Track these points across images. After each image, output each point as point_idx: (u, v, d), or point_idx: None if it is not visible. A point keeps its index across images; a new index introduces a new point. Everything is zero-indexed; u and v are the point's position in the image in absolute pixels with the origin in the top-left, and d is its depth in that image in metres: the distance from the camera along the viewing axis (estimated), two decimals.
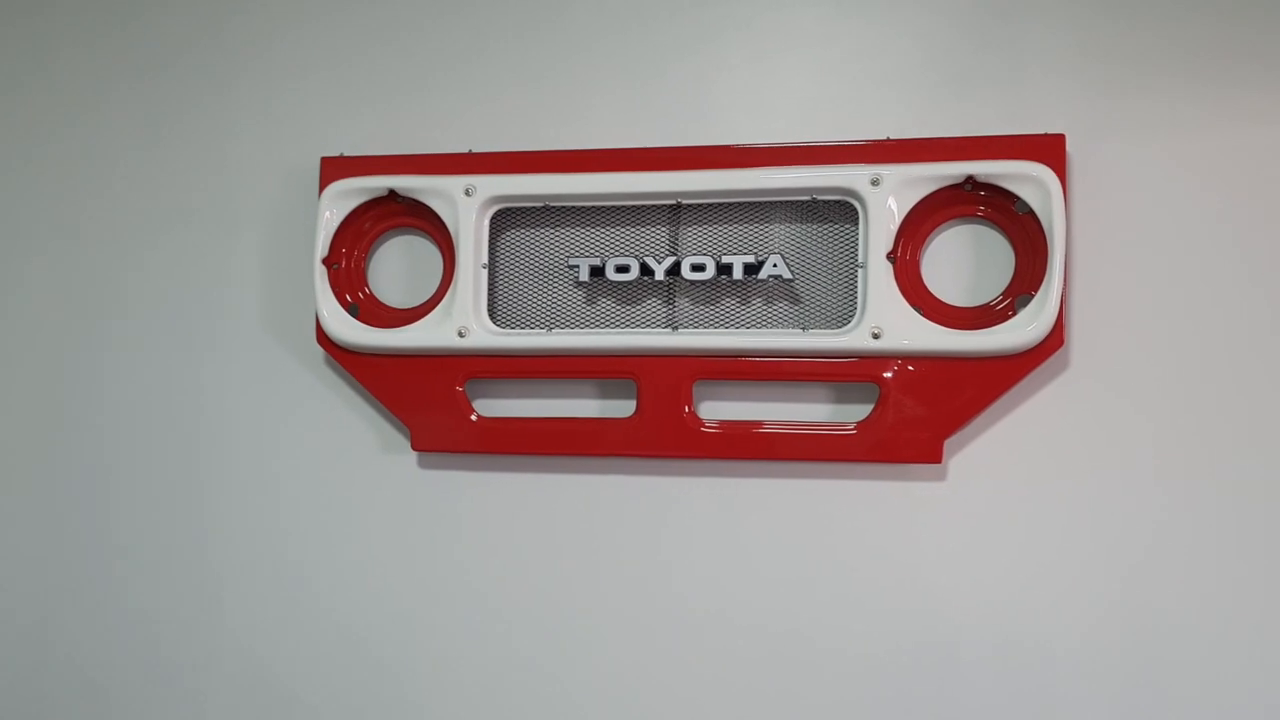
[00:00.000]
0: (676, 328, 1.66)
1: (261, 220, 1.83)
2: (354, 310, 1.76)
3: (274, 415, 1.82)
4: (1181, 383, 1.56)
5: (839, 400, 1.65)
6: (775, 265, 1.61)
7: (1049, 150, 1.55)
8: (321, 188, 1.74)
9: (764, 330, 1.64)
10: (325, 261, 1.73)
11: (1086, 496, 1.58)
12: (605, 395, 1.72)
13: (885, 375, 1.59)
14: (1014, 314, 1.57)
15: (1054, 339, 1.54)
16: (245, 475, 1.82)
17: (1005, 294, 1.60)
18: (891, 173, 1.58)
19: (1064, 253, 1.52)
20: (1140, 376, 1.57)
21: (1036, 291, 1.55)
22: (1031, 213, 1.56)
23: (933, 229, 1.63)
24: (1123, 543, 1.57)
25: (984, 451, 1.61)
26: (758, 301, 1.66)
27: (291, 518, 1.80)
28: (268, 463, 1.81)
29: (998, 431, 1.61)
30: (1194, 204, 1.57)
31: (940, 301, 1.62)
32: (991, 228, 1.62)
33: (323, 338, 1.74)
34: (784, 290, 1.64)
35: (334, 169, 1.75)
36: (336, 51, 1.82)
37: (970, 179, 1.57)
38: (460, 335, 1.68)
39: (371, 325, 1.74)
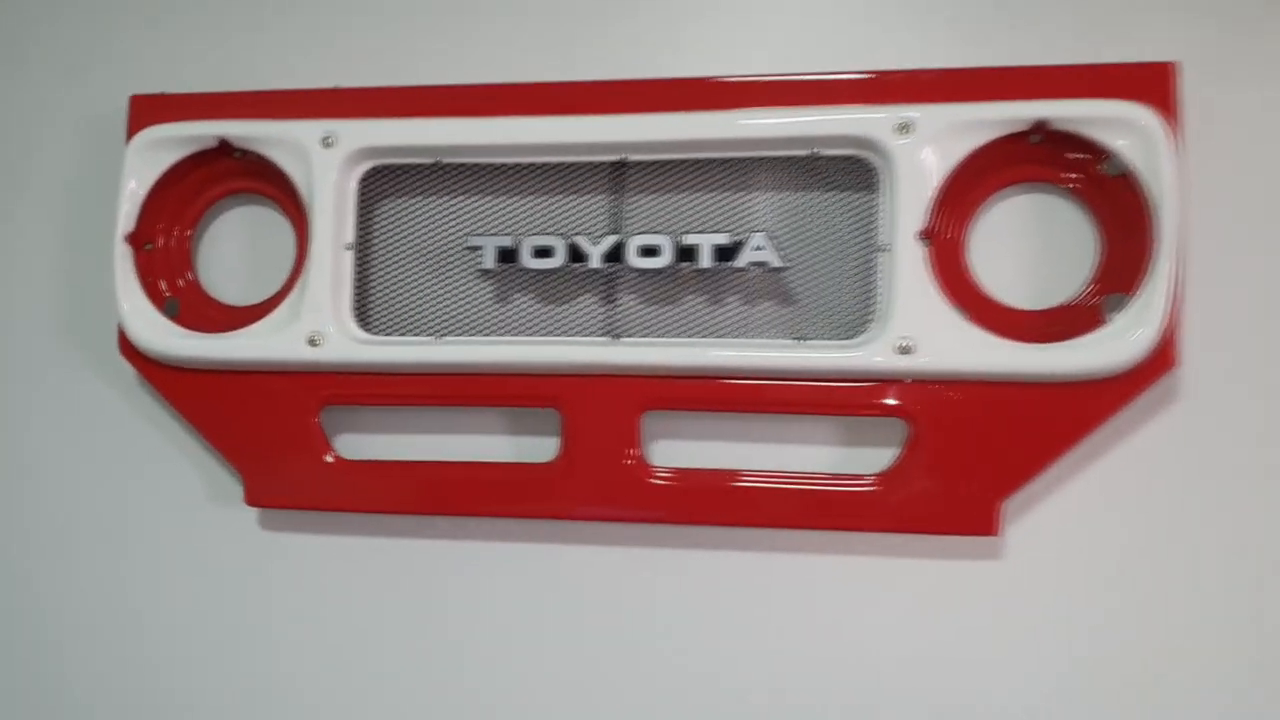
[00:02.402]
0: (618, 336, 1.17)
1: (47, 183, 1.34)
2: (172, 308, 1.26)
3: (60, 453, 1.32)
4: None
5: (847, 441, 1.16)
6: (759, 248, 1.13)
7: (1154, 87, 1.07)
8: (129, 138, 1.25)
9: (742, 341, 1.15)
10: (131, 239, 1.23)
11: (1204, 585, 1.10)
12: (516, 430, 1.22)
13: (917, 407, 1.10)
14: (1103, 320, 1.09)
15: (1161, 357, 1.06)
16: (17, 534, 1.32)
17: (1087, 292, 1.12)
18: (927, 115, 1.09)
19: (1176, 234, 1.05)
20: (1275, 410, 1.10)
21: (1135, 289, 1.07)
22: (1127, 176, 1.08)
23: (983, 199, 1.14)
24: (1253, 650, 1.09)
25: (1055, 518, 1.12)
26: (733, 300, 1.17)
27: (79, 597, 1.30)
28: (49, 518, 1.31)
29: (1076, 490, 1.12)
30: None
31: (995, 302, 1.13)
32: (1067, 197, 1.14)
33: (127, 347, 1.25)
34: (771, 284, 1.16)
35: (146, 112, 1.25)
36: None
37: (1040, 125, 1.09)
38: (312, 344, 1.19)
39: (196, 330, 1.24)
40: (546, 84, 1.18)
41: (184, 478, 1.28)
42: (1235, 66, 1.12)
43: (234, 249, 1.30)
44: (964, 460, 1.09)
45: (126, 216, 1.23)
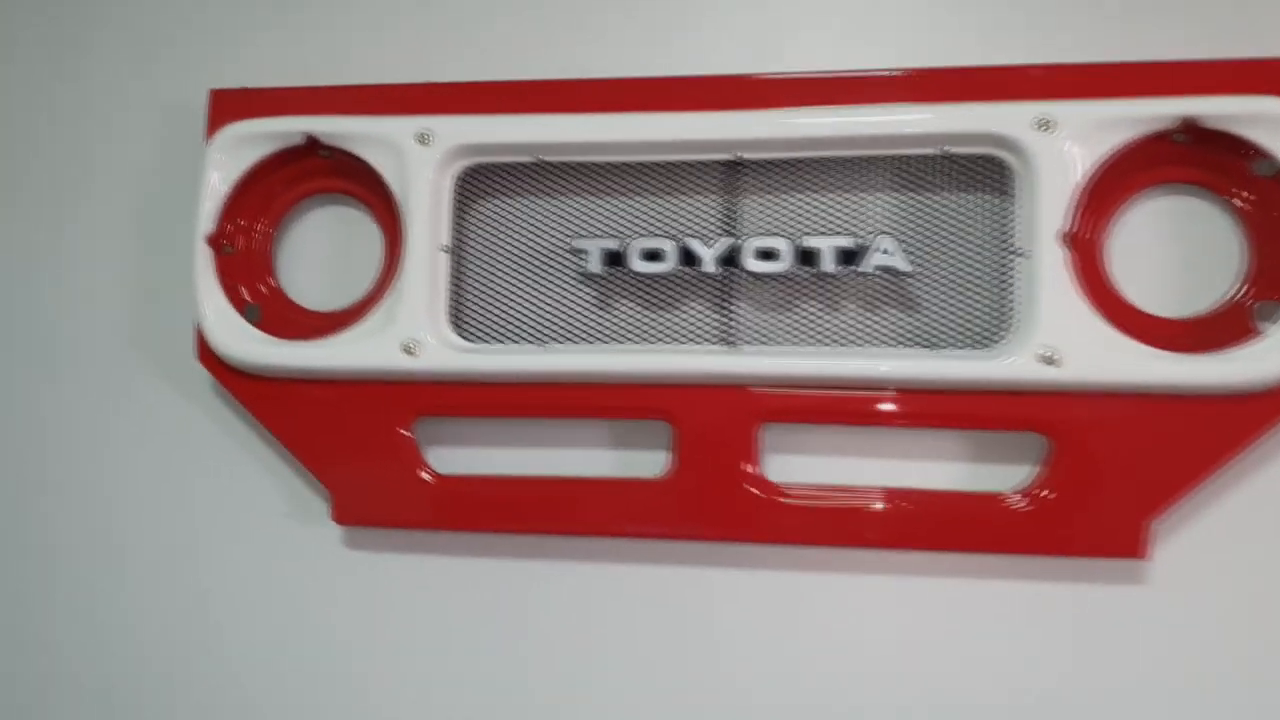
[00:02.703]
0: (735, 344, 1.11)
1: (116, 180, 1.27)
2: (253, 314, 1.20)
3: (131, 465, 1.25)
4: None
5: (974, 457, 1.10)
6: (886, 252, 1.06)
7: None
8: (209, 135, 1.18)
9: (869, 350, 1.09)
10: (211, 241, 1.17)
11: None
12: (624, 444, 1.16)
13: (1060, 421, 1.04)
14: (1254, 329, 1.03)
15: None
16: (88, 552, 1.25)
17: (1235, 299, 1.06)
18: (1069, 112, 1.03)
19: None
20: None
21: None
22: (1277, 177, 1.02)
23: (1121, 200, 1.08)
24: None
25: (1204, 539, 1.06)
26: (854, 307, 1.10)
27: (155, 617, 1.23)
28: (119, 532, 1.24)
29: (1227, 509, 1.06)
30: None
31: (1137, 309, 1.07)
32: (1211, 199, 1.08)
33: (206, 354, 1.18)
34: (897, 290, 1.09)
35: (227, 107, 1.18)
36: None
37: (1187, 123, 1.03)
38: (408, 352, 1.12)
39: (278, 336, 1.18)
40: (655, 79, 1.12)
41: (263, 492, 1.21)
42: None
43: (316, 251, 1.23)
44: (1110, 478, 1.03)
45: (207, 216, 1.17)
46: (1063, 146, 1.03)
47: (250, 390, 1.17)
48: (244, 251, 1.21)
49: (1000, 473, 1.09)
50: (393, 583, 1.18)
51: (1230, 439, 1.01)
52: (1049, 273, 1.03)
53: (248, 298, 1.20)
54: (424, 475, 1.14)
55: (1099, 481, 1.03)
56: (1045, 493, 1.04)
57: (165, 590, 1.23)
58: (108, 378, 1.25)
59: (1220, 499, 1.06)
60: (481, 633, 1.16)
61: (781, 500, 1.08)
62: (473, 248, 1.16)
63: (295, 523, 1.21)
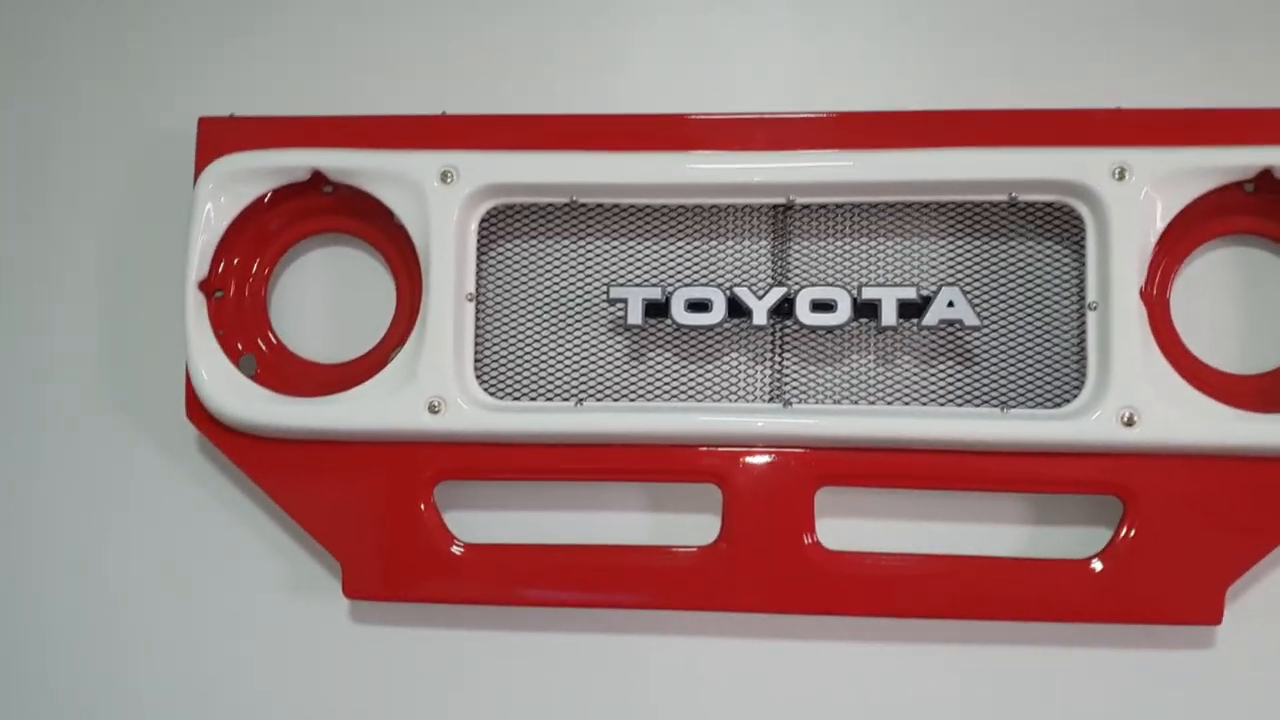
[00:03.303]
0: (788, 403, 1.04)
1: (102, 219, 1.15)
2: (248, 365, 1.08)
3: (118, 531, 1.12)
4: None
5: (1035, 520, 1.05)
6: (951, 304, 1.00)
7: None
8: (198, 168, 1.06)
9: (936, 409, 1.02)
10: (204, 286, 1.05)
11: None
12: (665, 508, 1.07)
13: (1137, 484, 0.99)
14: None
15: None
16: (70, 630, 1.12)
17: None
18: (1144, 160, 0.99)
19: None
20: None
21: None
22: None
23: (1189, 252, 1.05)
24: None
25: (1272, 604, 1.03)
26: (912, 363, 1.04)
27: (146, 697, 1.10)
28: (107, 608, 1.12)
29: None
30: None
31: (1210, 368, 1.03)
32: (1276, 252, 1.05)
33: (196, 410, 1.06)
34: (962, 346, 1.04)
35: (219, 137, 1.07)
36: None
37: (1264, 175, 0.99)
38: (433, 411, 1.02)
39: (277, 391, 1.06)
40: (700, 117, 1.04)
41: (261, 566, 1.10)
42: None
43: (315, 297, 1.12)
44: (1187, 542, 0.98)
45: (199, 259, 1.05)
46: (1140, 196, 0.98)
47: (248, 451, 1.06)
48: (237, 296, 1.09)
49: (1059, 536, 1.04)
50: (406, 661, 1.08)
51: None
52: (1126, 328, 0.98)
53: (241, 348, 1.09)
54: (450, 545, 1.04)
55: (1177, 546, 0.98)
56: (1123, 558, 0.99)
57: (153, 667, 1.11)
58: (84, 435, 1.12)
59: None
60: (504, 713, 1.07)
61: (839, 569, 1.01)
62: (496, 295, 1.07)
63: (298, 595, 1.09)
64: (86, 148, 1.15)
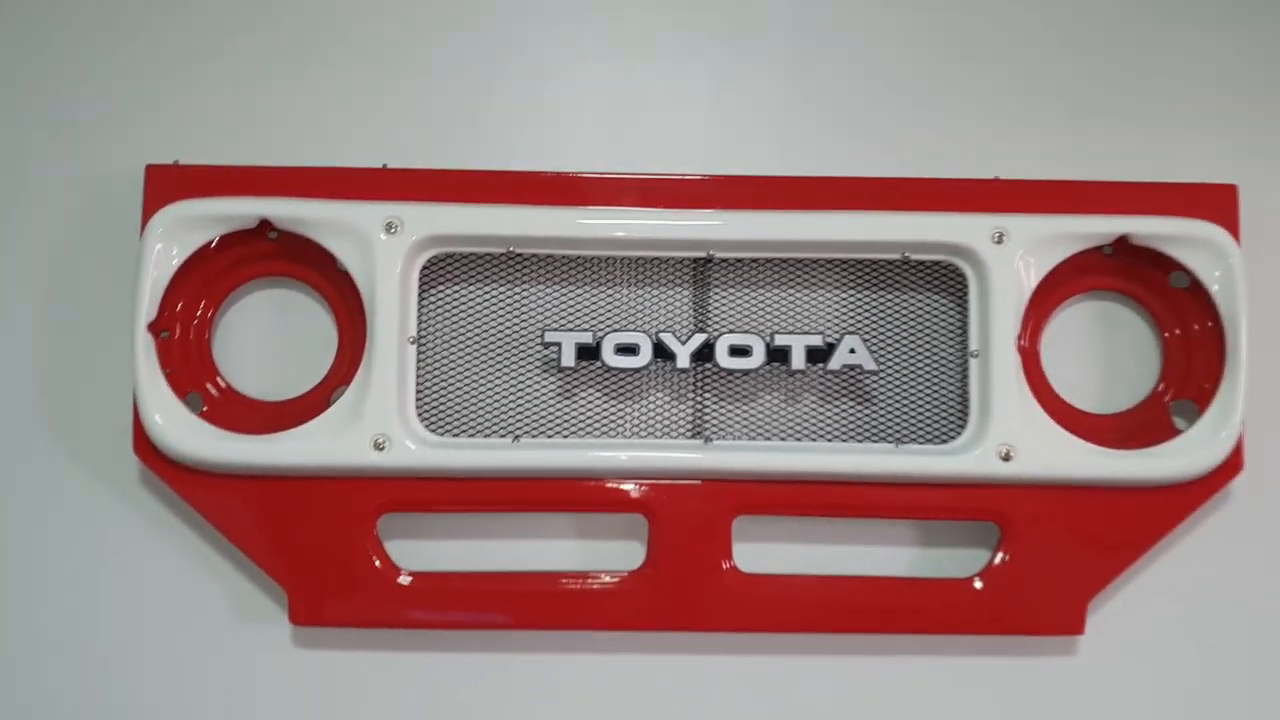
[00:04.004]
0: (709, 439, 1.14)
1: (47, 261, 1.17)
2: (194, 403, 1.13)
3: (66, 566, 1.15)
4: None
5: (923, 543, 1.17)
6: (853, 350, 1.12)
7: (1218, 207, 1.14)
8: (146, 214, 1.10)
9: (840, 445, 1.14)
10: (151, 327, 1.10)
11: (1268, 679, 1.17)
12: (590, 535, 1.16)
13: (1012, 511, 1.12)
14: (1172, 426, 1.15)
15: (1232, 462, 1.12)
16: (22, 651, 1.14)
17: (1154, 398, 1.17)
18: (1022, 226, 1.12)
19: (1247, 347, 1.12)
20: None
21: (1196, 396, 1.14)
22: (1190, 289, 1.15)
23: (1055, 306, 1.18)
24: None
25: (1125, 615, 1.16)
26: (817, 402, 1.16)
27: None
28: (54, 640, 1.15)
29: (1142, 586, 1.17)
30: None
31: (1074, 409, 1.17)
32: (1129, 306, 1.20)
33: (144, 447, 1.10)
34: (861, 388, 1.15)
35: (167, 184, 1.11)
36: (174, 6, 1.20)
37: (1120, 241, 1.14)
38: (378, 448, 1.09)
39: (223, 428, 1.11)
40: (628, 177, 1.13)
41: (206, 595, 1.15)
42: (1270, 183, 1.21)
43: (256, 337, 1.17)
44: (1055, 562, 1.12)
45: (147, 302, 1.09)
46: (1016, 257, 1.12)
47: (196, 486, 1.10)
48: (183, 337, 1.14)
49: (945, 557, 1.16)
50: (350, 683, 1.14)
51: (1158, 525, 1.13)
52: (1004, 375, 1.11)
53: (187, 386, 1.13)
54: (394, 573, 1.11)
55: (1046, 566, 1.12)
56: (999, 577, 1.12)
57: (104, 697, 1.14)
58: (28, 470, 1.15)
59: (1135, 576, 1.17)
60: None
61: (754, 591, 1.11)
62: (436, 337, 1.14)
63: (241, 623, 1.14)
64: (32, 192, 1.17)
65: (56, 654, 1.15)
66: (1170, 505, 1.12)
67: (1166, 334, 1.18)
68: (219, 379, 1.15)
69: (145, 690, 1.14)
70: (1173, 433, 1.14)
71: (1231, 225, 1.13)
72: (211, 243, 1.12)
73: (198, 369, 1.14)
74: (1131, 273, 1.17)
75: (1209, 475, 1.12)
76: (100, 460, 1.15)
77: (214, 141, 1.17)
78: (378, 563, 1.11)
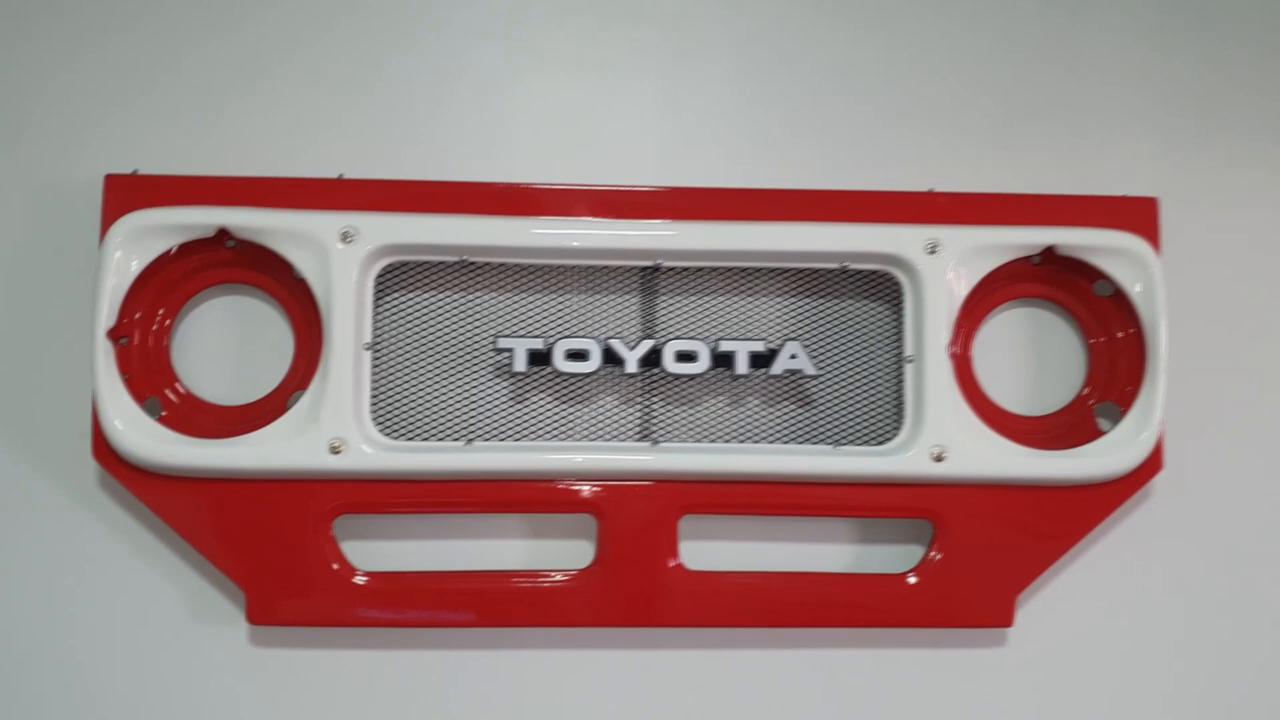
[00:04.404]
0: (656, 441, 1.18)
1: (6, 269, 1.19)
2: (153, 408, 1.15)
3: (22, 570, 1.17)
4: None
5: (862, 539, 1.22)
6: (794, 356, 1.17)
7: (1139, 218, 1.20)
8: (106, 223, 1.13)
9: (781, 447, 1.19)
10: (111, 334, 1.12)
11: (1187, 669, 1.24)
12: (539, 534, 1.20)
13: (945, 509, 1.17)
14: (1097, 427, 1.21)
15: (1153, 461, 1.18)
16: None
17: (1080, 401, 1.23)
18: (954, 237, 1.17)
19: (1166, 350, 1.18)
20: (1249, 508, 1.24)
21: (1119, 399, 1.20)
22: (1113, 297, 1.21)
23: (986, 313, 1.24)
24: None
25: (1052, 608, 1.22)
26: (760, 405, 1.20)
27: None
28: (13, 639, 1.17)
29: (1067, 580, 1.22)
30: None
31: (1004, 411, 1.23)
32: (1056, 313, 1.25)
33: (104, 451, 1.12)
34: (802, 392, 1.20)
35: (126, 193, 1.14)
36: (133, 19, 1.22)
37: (1047, 251, 1.19)
38: (334, 451, 1.12)
39: (181, 432, 1.14)
40: (578, 188, 1.17)
41: (163, 596, 1.17)
42: (1199, 194, 1.27)
43: (212, 343, 1.20)
44: (985, 558, 1.18)
45: (107, 310, 1.11)
46: (948, 267, 1.17)
47: (155, 490, 1.13)
48: (142, 343, 1.16)
49: (883, 553, 1.21)
50: (305, 680, 1.17)
51: (1083, 521, 1.19)
52: (937, 379, 1.16)
53: (147, 392, 1.15)
54: (350, 573, 1.14)
55: (976, 562, 1.18)
56: (932, 573, 1.17)
57: (63, 695, 1.17)
58: None
59: (1060, 570, 1.22)
60: None
61: (702, 588, 1.16)
62: (391, 343, 1.17)
63: (197, 623, 1.17)
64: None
65: (15, 654, 1.16)
66: (1094, 503, 1.18)
67: (1092, 340, 1.24)
68: (178, 384, 1.18)
69: (105, 689, 1.17)
70: (1097, 434, 1.20)
71: (1152, 236, 1.20)
72: (170, 251, 1.14)
73: (157, 375, 1.17)
74: (1058, 281, 1.23)
75: (1131, 474, 1.18)
76: (60, 464, 1.17)
77: (173, 152, 1.20)
78: (334, 563, 1.14)
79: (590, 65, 1.26)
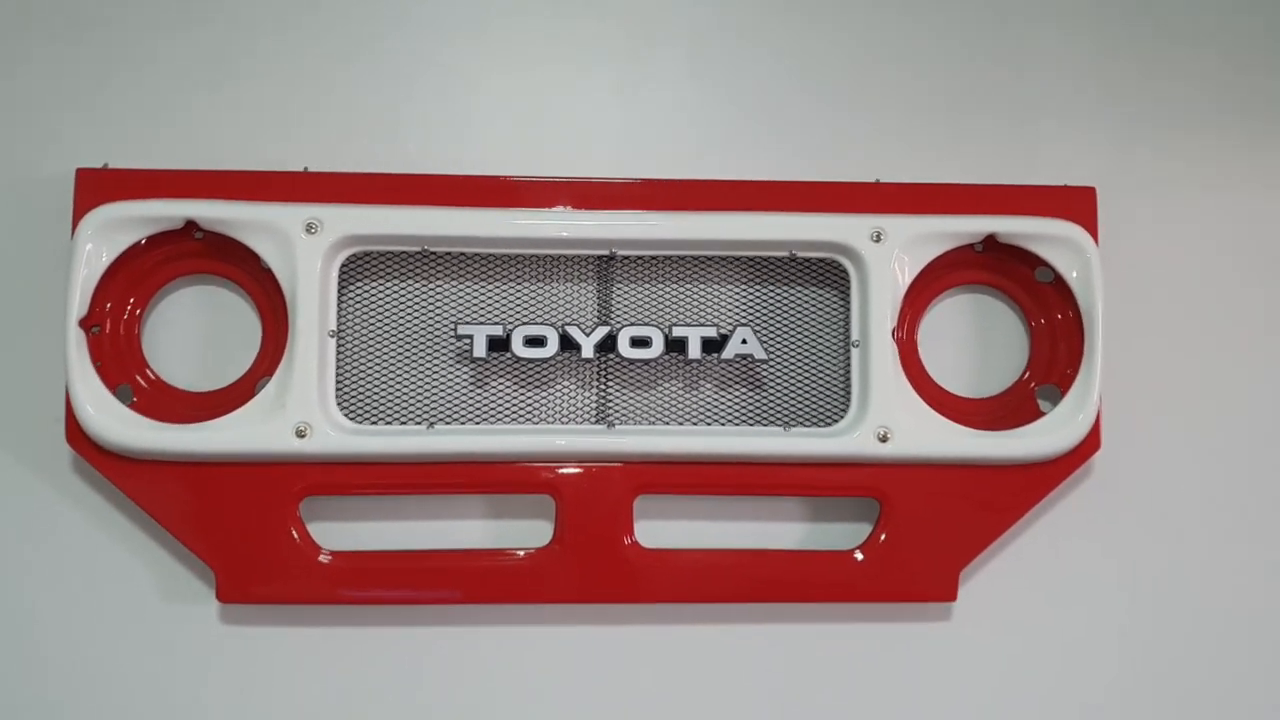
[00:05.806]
0: (612, 424, 1.22)
1: None
2: (125, 394, 1.19)
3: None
4: (1236, 491, 1.30)
5: (813, 518, 1.27)
6: (745, 341, 1.21)
7: (1078, 207, 1.24)
8: (77, 215, 1.16)
9: (733, 429, 1.23)
10: (83, 323, 1.16)
11: (1126, 639, 1.29)
12: (499, 514, 1.24)
13: (890, 488, 1.22)
14: (1038, 408, 1.25)
15: (1090, 441, 1.23)
16: None
17: (1021, 383, 1.28)
18: (898, 226, 1.21)
19: (1103, 334, 1.22)
20: (1184, 485, 1.29)
21: (1059, 381, 1.25)
22: (1054, 283, 1.25)
23: (931, 299, 1.28)
24: (1169, 695, 1.29)
25: (994, 582, 1.27)
26: (713, 389, 1.25)
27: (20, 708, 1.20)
28: None
29: (1009, 556, 1.27)
30: (1242, 277, 1.32)
31: (948, 393, 1.27)
32: (1001, 299, 1.30)
33: (77, 436, 1.16)
34: (753, 375, 1.24)
35: (96, 186, 1.17)
36: (101, 14, 1.26)
37: (989, 239, 1.24)
38: (300, 435, 1.16)
39: (152, 418, 1.17)
40: (534, 180, 1.21)
41: (135, 575, 1.21)
42: (1137, 183, 1.32)
43: (183, 331, 1.23)
44: (930, 535, 1.22)
45: (79, 299, 1.15)
46: (892, 255, 1.21)
47: (127, 473, 1.17)
48: (113, 331, 1.20)
49: (831, 530, 1.26)
50: (274, 656, 1.22)
51: (1024, 499, 1.23)
52: (882, 362, 1.21)
53: (118, 379, 1.19)
54: (317, 552, 1.18)
55: (921, 538, 1.22)
56: (879, 549, 1.22)
57: (34, 675, 1.21)
58: None
59: (1001, 547, 1.27)
60: (369, 702, 1.22)
61: (656, 565, 1.20)
62: (355, 330, 1.22)
63: (169, 602, 1.21)
64: None
65: None
66: (1035, 481, 1.23)
67: (1033, 324, 1.28)
68: (148, 371, 1.22)
69: (78, 667, 1.21)
70: (1037, 415, 1.24)
71: (1090, 224, 1.24)
72: (140, 242, 1.18)
73: (128, 362, 1.21)
74: (1000, 268, 1.27)
75: (1070, 453, 1.22)
76: (34, 450, 1.21)
77: (142, 146, 1.23)
78: (300, 543, 1.18)
79: (548, 59, 1.29)
